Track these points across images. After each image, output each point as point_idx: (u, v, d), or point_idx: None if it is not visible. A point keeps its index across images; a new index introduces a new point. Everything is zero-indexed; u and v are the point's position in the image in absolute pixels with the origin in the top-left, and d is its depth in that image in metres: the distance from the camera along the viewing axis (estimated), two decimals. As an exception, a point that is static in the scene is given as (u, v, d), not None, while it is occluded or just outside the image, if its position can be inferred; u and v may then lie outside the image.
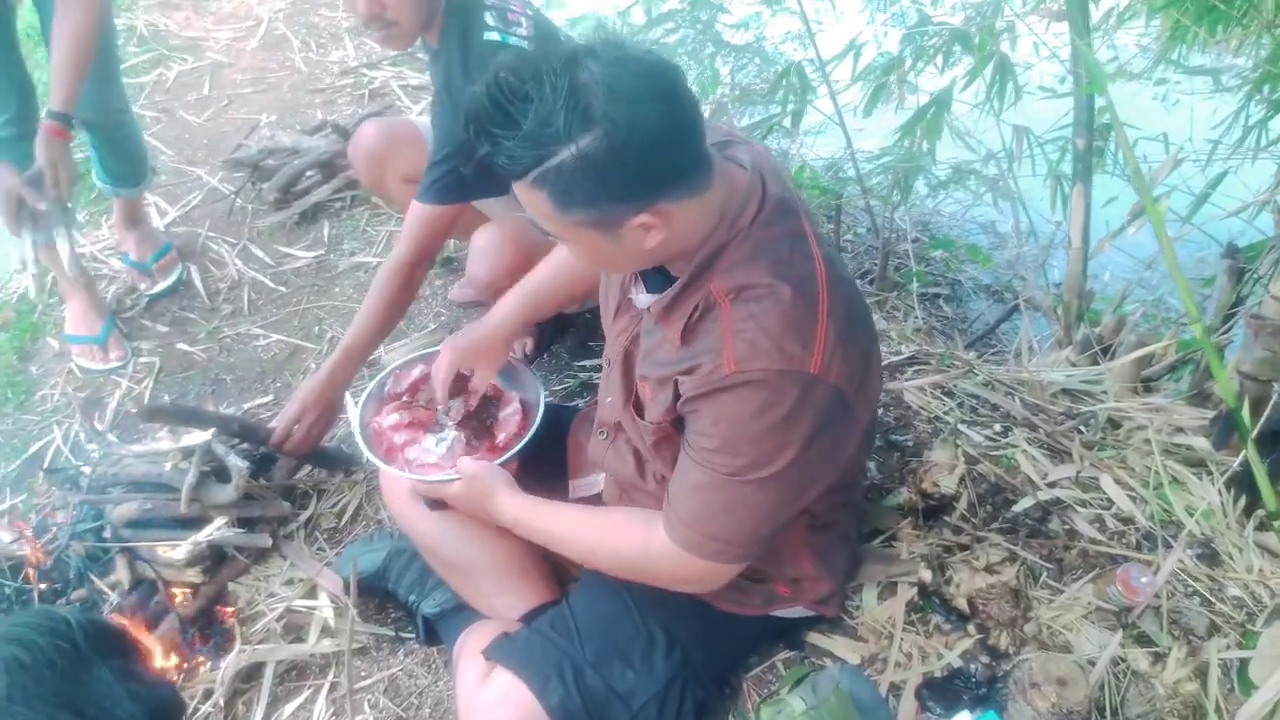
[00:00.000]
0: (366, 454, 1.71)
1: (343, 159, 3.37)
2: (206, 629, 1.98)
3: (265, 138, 3.67)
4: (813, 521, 1.54)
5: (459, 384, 1.80)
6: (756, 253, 1.26)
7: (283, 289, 3.03)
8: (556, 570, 1.87)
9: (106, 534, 2.03)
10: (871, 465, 2.04)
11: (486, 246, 2.19)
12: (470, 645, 1.60)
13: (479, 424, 1.79)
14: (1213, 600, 1.76)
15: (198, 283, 3.05)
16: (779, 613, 1.65)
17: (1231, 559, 1.84)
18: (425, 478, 1.68)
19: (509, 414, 1.80)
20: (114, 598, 1.97)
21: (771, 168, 1.35)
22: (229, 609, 2.02)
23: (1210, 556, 1.85)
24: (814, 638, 1.78)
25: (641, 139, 1.11)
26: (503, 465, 1.63)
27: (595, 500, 1.75)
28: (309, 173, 3.39)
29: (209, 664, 1.92)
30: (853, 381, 1.27)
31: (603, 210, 1.17)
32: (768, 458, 1.25)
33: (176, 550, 1.98)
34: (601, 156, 1.10)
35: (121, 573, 1.99)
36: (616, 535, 1.48)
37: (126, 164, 2.88)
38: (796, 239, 1.29)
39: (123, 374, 2.74)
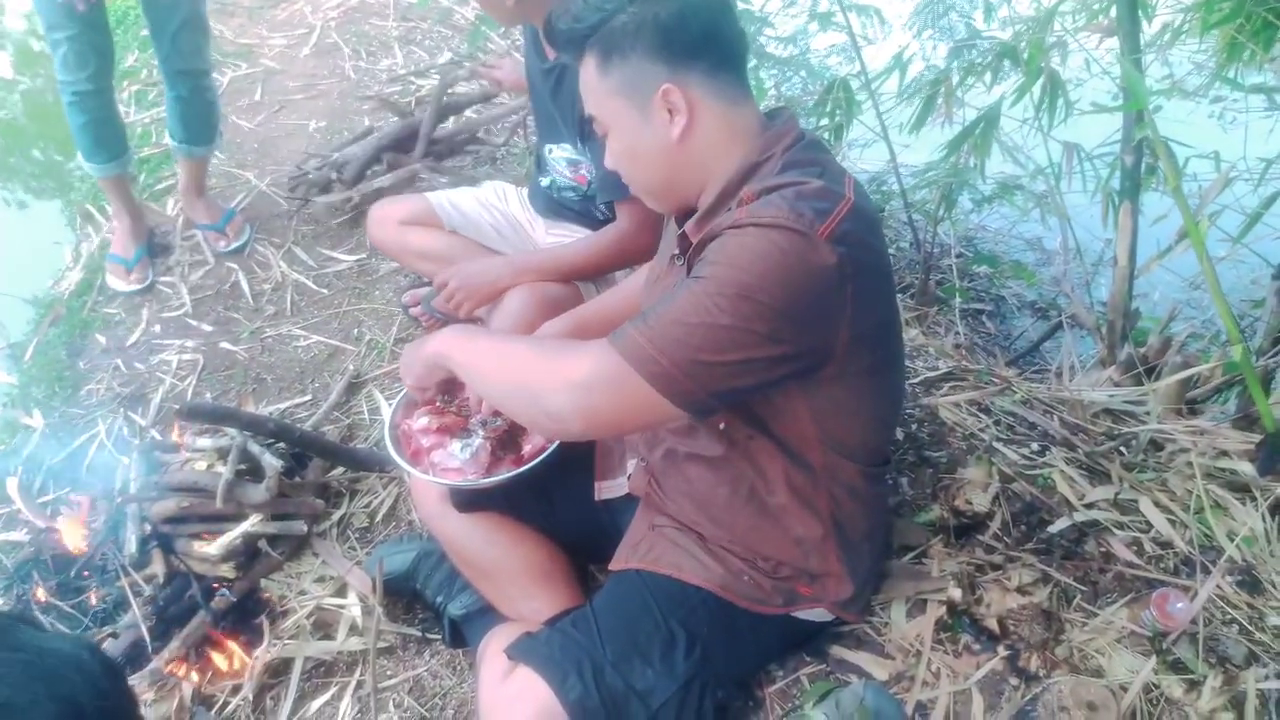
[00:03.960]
0: (393, 454, 1.72)
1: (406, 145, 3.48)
2: (238, 624, 2.01)
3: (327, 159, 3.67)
4: (837, 510, 1.52)
5: None
6: (788, 169, 1.33)
7: (325, 291, 3.08)
8: (582, 576, 1.88)
9: (145, 529, 2.08)
10: (904, 480, 2.02)
11: (521, 307, 2.27)
12: (494, 646, 1.60)
13: (507, 434, 1.80)
14: (1252, 629, 1.71)
15: (243, 283, 3.11)
16: (801, 614, 1.63)
17: (1274, 587, 1.79)
18: (447, 481, 1.70)
19: None
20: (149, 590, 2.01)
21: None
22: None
23: (1251, 584, 1.80)
24: (840, 652, 1.75)
25: (679, 3, 1.31)
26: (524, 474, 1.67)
27: (621, 503, 1.76)
28: (375, 168, 3.46)
29: (245, 659, 1.94)
30: (859, 277, 1.24)
31: (634, 69, 1.33)
32: (744, 276, 1.20)
33: (211, 545, 2.01)
34: (645, 16, 1.31)
35: (157, 567, 2.03)
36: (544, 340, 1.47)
37: (203, 120, 3.09)
38: (829, 168, 1.35)
39: (166, 370, 2.79)
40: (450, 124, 3.73)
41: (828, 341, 1.28)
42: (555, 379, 1.31)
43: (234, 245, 3.28)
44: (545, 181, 2.46)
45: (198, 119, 3.06)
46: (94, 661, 0.67)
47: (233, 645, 1.95)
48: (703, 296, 1.21)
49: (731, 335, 1.21)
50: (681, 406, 1.25)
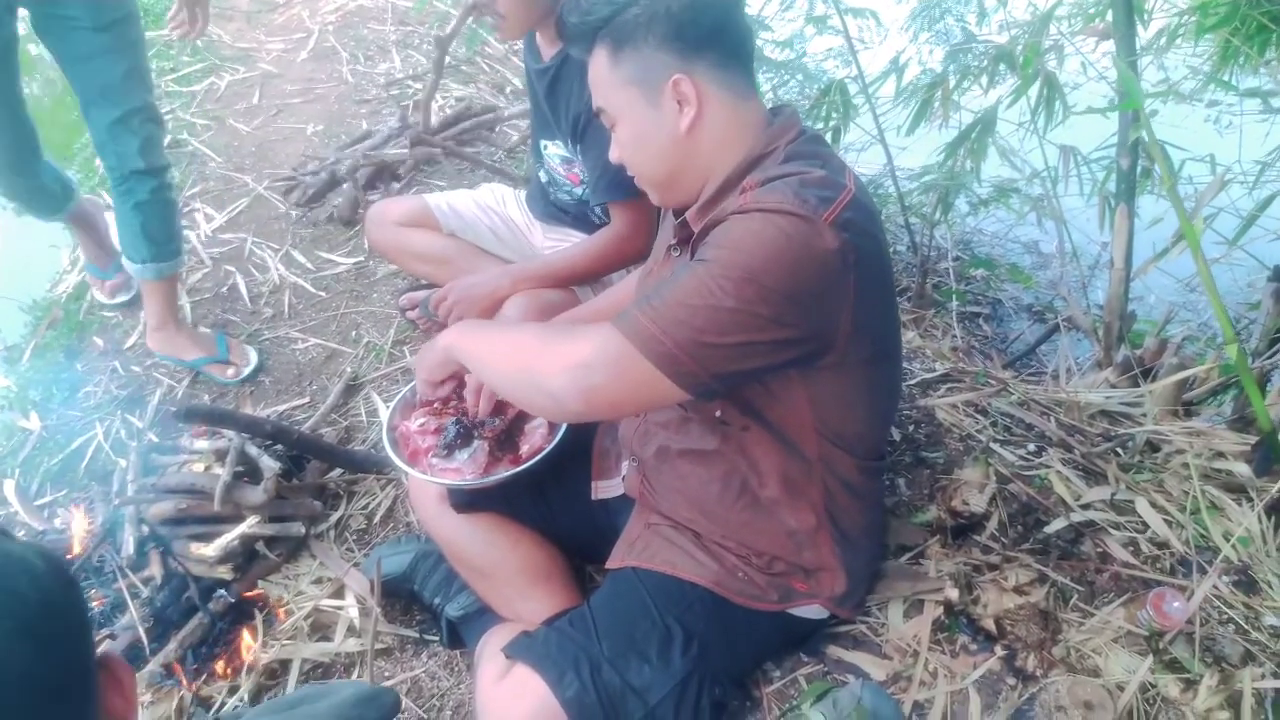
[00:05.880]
0: (391, 455, 1.72)
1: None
2: (236, 625, 2.00)
3: (324, 161, 3.67)
4: (830, 502, 1.52)
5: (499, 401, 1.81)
6: (790, 161, 1.34)
7: (322, 294, 3.08)
8: (579, 576, 1.88)
9: (143, 531, 2.08)
10: (901, 481, 2.02)
11: (520, 315, 2.32)
12: (491, 645, 1.61)
13: (505, 435, 1.80)
14: (1248, 628, 1.72)
15: (241, 286, 3.10)
16: (796, 611, 1.63)
17: (1270, 587, 1.79)
18: (445, 481, 1.70)
19: (534, 426, 1.80)
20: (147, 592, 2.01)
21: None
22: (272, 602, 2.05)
23: (1247, 584, 1.80)
24: (838, 652, 1.76)
25: None
26: (522, 474, 1.67)
27: (618, 503, 1.76)
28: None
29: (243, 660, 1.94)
30: (861, 264, 1.26)
31: (646, 59, 1.35)
32: (748, 260, 1.21)
33: (208, 547, 2.01)
34: (657, 8, 1.33)
35: (155, 568, 2.03)
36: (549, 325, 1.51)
37: (167, 225, 2.56)
38: (830, 162, 1.36)
39: (163, 372, 2.79)
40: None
41: (830, 328, 1.29)
42: (556, 361, 1.32)
43: (245, 373, 2.73)
44: (544, 177, 2.47)
45: (161, 224, 2.51)
46: (44, 564, 0.67)
47: (230, 646, 1.95)
48: (707, 279, 1.23)
49: (735, 318, 1.22)
50: (683, 387, 1.26)
